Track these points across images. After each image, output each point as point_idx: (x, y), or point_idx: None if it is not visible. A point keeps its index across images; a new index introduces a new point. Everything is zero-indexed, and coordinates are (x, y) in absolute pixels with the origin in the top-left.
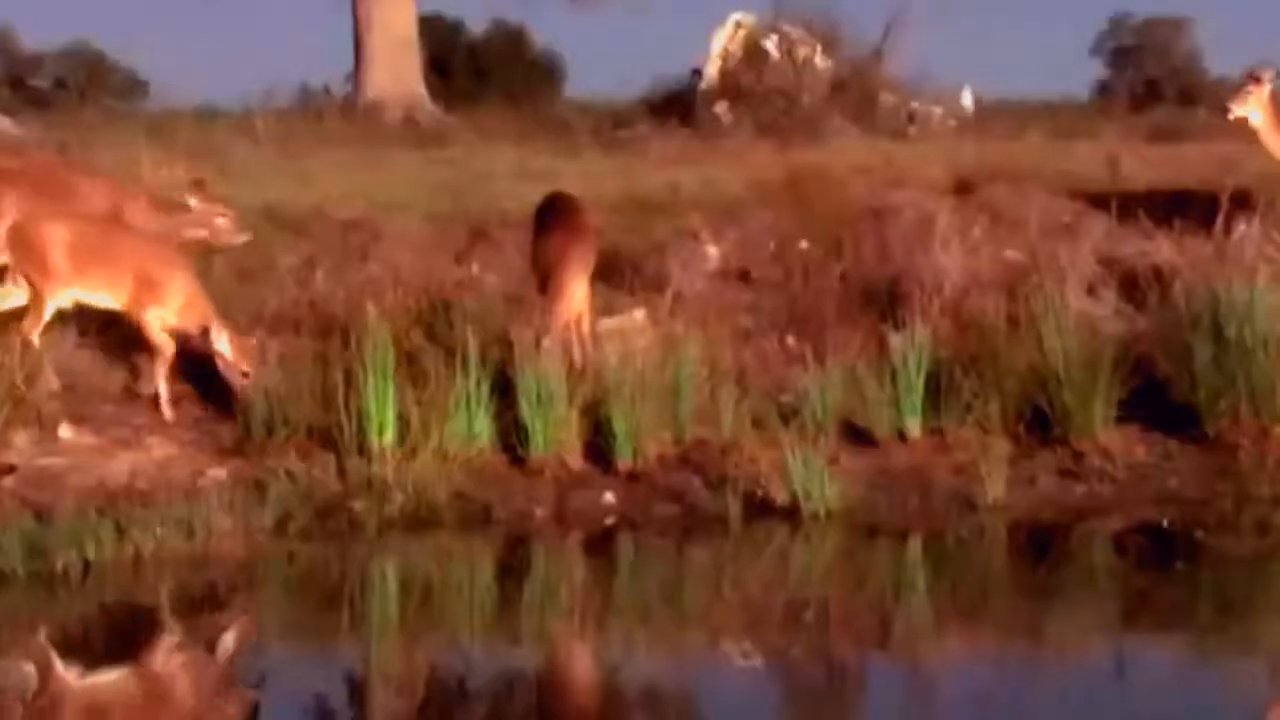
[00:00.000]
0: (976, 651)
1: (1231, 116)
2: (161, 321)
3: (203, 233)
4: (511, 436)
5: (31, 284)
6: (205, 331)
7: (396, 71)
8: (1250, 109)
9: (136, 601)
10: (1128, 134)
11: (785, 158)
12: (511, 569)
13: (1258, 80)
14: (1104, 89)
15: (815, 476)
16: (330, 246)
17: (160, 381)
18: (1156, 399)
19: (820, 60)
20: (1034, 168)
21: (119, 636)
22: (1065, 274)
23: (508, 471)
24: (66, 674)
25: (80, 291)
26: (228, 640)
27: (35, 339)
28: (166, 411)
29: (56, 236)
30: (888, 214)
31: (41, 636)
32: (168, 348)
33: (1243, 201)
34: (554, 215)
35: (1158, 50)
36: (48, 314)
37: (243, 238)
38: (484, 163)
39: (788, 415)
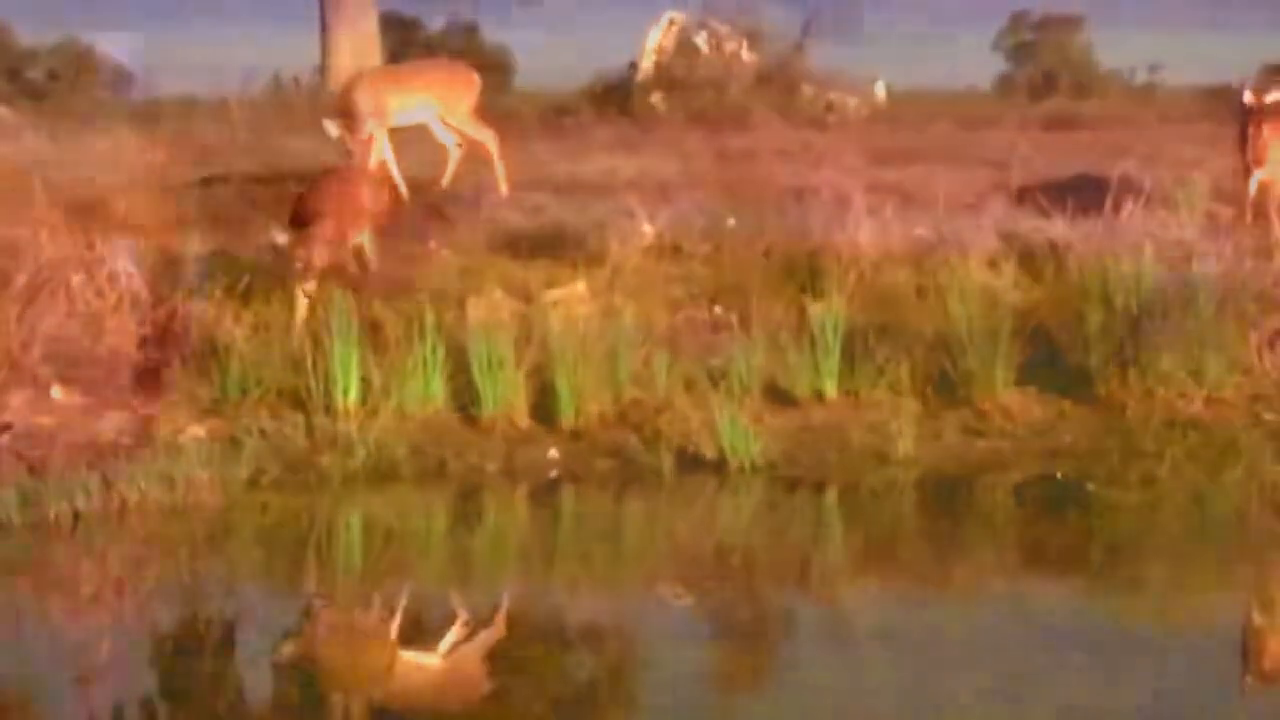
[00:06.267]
0: (888, 590)
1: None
2: None
3: None
4: (464, 397)
5: None
6: None
7: (360, 65)
8: None
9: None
10: (1026, 123)
11: (714, 143)
12: (464, 517)
13: None
14: (1005, 81)
15: (741, 434)
16: None
17: None
18: (1052, 363)
19: (746, 54)
20: (941, 153)
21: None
22: (969, 249)
23: (461, 429)
24: None
25: None
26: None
27: None
28: None
29: None
30: (807, 194)
31: None
32: None
33: (1129, 184)
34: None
35: (1054, 46)
36: None
37: None
38: (439, 149)
39: (716, 378)
